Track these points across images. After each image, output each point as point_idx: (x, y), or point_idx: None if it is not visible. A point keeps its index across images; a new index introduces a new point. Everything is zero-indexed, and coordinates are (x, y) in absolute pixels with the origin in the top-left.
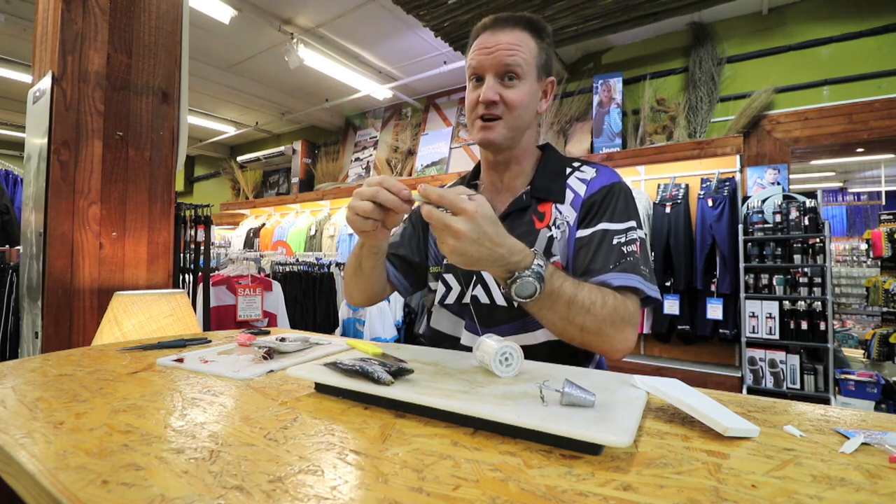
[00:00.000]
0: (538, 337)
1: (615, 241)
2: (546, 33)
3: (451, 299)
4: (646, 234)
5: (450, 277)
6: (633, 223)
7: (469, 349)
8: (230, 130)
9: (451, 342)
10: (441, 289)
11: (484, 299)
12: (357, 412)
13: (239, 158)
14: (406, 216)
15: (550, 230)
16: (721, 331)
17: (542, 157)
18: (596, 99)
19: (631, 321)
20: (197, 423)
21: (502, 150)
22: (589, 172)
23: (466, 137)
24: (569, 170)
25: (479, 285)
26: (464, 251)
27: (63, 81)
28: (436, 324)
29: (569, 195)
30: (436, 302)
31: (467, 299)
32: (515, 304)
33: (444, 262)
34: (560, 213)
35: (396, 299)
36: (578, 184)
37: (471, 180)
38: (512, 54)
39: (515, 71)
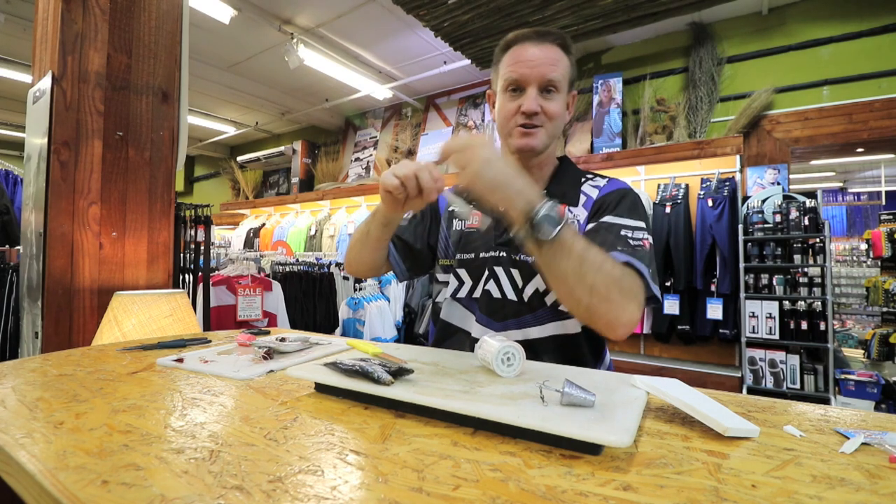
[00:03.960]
0: (547, 331)
1: (623, 233)
2: (572, 51)
3: (463, 293)
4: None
5: (462, 272)
6: (642, 223)
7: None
8: (230, 130)
9: (462, 335)
10: (454, 282)
11: (495, 293)
12: (357, 412)
13: (239, 158)
14: None
15: None
16: (721, 331)
17: (560, 167)
18: (596, 99)
19: (636, 295)
20: (197, 423)
21: (536, 156)
22: (601, 181)
23: None
24: (583, 179)
25: (490, 280)
26: (485, 167)
27: (63, 81)
28: (447, 316)
29: (582, 199)
30: (448, 295)
31: (478, 293)
32: (501, 294)
33: (457, 256)
34: (572, 213)
35: (396, 299)
36: (591, 189)
37: None
38: (553, 70)
39: (556, 85)
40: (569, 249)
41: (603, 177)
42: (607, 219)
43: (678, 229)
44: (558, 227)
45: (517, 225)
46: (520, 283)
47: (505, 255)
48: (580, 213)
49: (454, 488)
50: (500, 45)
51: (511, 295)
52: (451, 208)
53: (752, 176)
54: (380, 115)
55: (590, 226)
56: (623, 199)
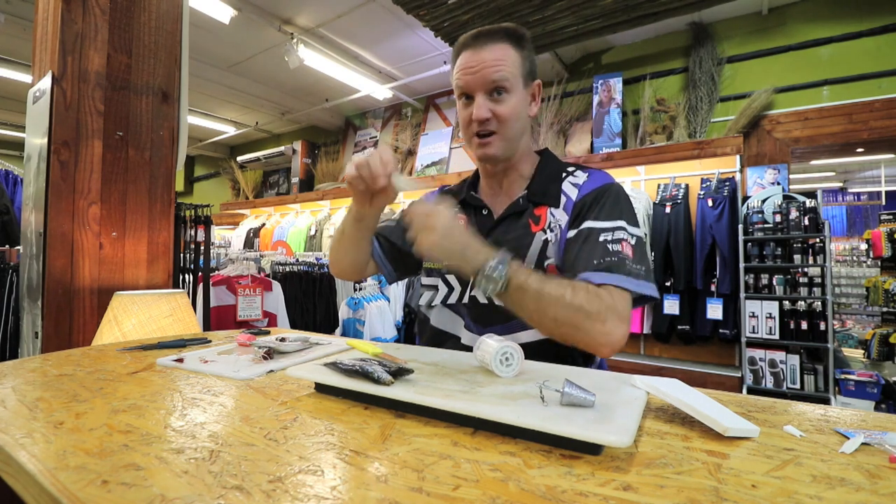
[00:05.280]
0: (536, 335)
1: (601, 238)
2: (525, 40)
3: (453, 299)
4: (645, 234)
5: (451, 278)
6: (622, 222)
7: (469, 348)
8: (230, 130)
9: (453, 341)
10: (443, 288)
11: (482, 299)
12: (357, 412)
13: (239, 158)
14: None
15: (545, 233)
16: (721, 331)
17: (541, 162)
18: (596, 99)
19: (613, 314)
20: (197, 423)
21: (501, 161)
22: (581, 177)
23: None
24: (564, 174)
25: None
26: (440, 245)
27: (63, 81)
28: (437, 322)
29: (563, 199)
30: (438, 302)
31: (466, 299)
32: (489, 300)
33: (446, 262)
34: (554, 216)
35: (396, 299)
36: (571, 188)
37: (471, 185)
38: (497, 70)
39: (503, 86)
40: (522, 293)
41: (584, 169)
42: (586, 225)
43: (678, 229)
44: (500, 284)
45: (473, 280)
46: None
47: None
48: (560, 215)
49: (454, 488)
50: (453, 51)
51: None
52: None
53: (752, 176)
54: (380, 115)
55: (571, 233)
56: (602, 198)
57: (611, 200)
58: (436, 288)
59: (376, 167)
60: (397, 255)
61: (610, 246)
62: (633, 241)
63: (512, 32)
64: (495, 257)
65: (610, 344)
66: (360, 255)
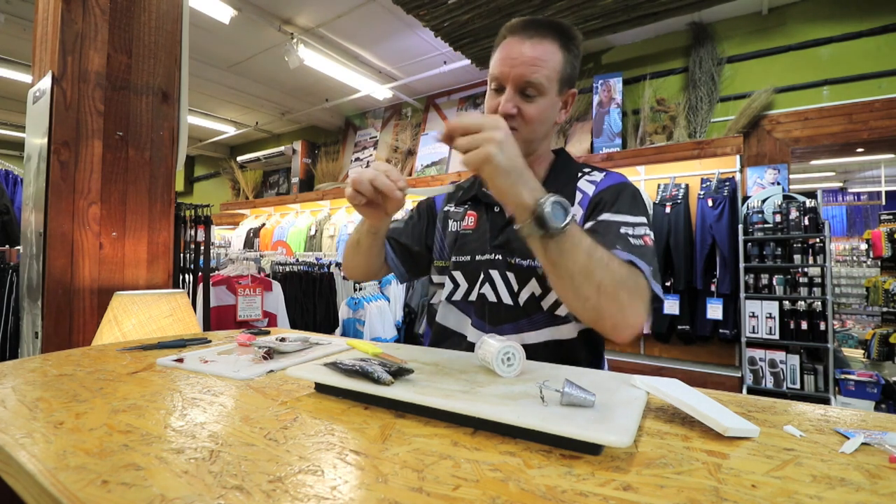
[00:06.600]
0: (542, 336)
1: (622, 231)
2: (575, 43)
3: (458, 296)
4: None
5: (458, 274)
6: (642, 218)
7: (474, 345)
8: (230, 130)
9: (457, 338)
10: (449, 285)
11: (491, 297)
12: (357, 412)
13: (239, 158)
14: (414, 206)
15: None
16: (721, 331)
17: (556, 161)
18: (596, 99)
19: (642, 296)
20: (197, 423)
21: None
22: (598, 175)
23: None
24: (579, 174)
25: (486, 283)
26: (499, 152)
27: (63, 81)
28: (442, 319)
29: (578, 196)
30: (443, 298)
31: (474, 297)
32: (497, 298)
33: (453, 258)
34: None
35: (396, 299)
36: (587, 185)
37: (483, 182)
38: (535, 71)
39: (536, 87)
40: (576, 245)
41: (600, 170)
42: (605, 217)
43: (678, 229)
44: (567, 219)
45: (522, 217)
46: (515, 287)
47: (500, 258)
48: (577, 211)
49: (454, 488)
50: (500, 33)
51: (507, 299)
52: (445, 208)
53: (752, 176)
54: (380, 115)
55: (587, 225)
56: (621, 194)
57: (630, 197)
58: (442, 285)
59: (389, 188)
60: (408, 255)
61: (632, 239)
62: (649, 239)
63: (564, 32)
64: (553, 193)
65: (635, 326)
66: (375, 262)
